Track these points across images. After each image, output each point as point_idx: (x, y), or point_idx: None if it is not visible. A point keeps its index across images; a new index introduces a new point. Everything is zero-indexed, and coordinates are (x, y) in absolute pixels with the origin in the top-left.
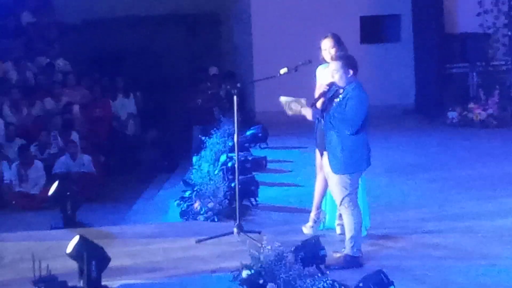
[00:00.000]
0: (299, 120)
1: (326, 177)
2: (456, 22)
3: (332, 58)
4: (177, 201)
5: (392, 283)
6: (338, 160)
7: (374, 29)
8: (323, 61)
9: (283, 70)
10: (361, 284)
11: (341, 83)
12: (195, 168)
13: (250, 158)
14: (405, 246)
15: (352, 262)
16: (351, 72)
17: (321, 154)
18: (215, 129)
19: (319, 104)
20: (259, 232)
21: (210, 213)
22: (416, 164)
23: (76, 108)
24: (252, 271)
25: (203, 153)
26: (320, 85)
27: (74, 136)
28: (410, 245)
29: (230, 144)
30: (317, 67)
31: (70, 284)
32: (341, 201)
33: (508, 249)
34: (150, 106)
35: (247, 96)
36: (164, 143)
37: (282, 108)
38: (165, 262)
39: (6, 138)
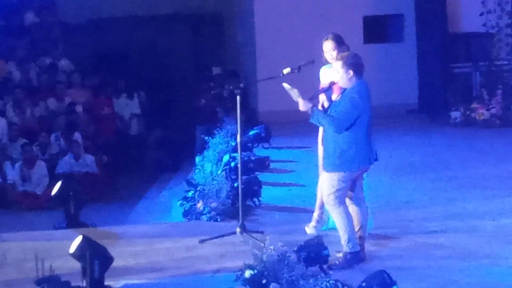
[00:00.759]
0: (302, 119)
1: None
2: (459, 22)
3: (334, 59)
4: (180, 201)
5: (395, 283)
6: (329, 158)
7: (377, 29)
8: (326, 62)
9: (286, 70)
10: (364, 284)
11: (342, 83)
12: (198, 168)
13: (253, 158)
14: (408, 246)
15: (353, 258)
16: (351, 72)
17: None
18: (218, 129)
19: (322, 99)
20: (262, 232)
21: (213, 213)
22: (419, 163)
23: (79, 108)
24: (255, 271)
25: (206, 153)
26: (323, 86)
27: (77, 136)
28: (413, 245)
29: (233, 144)
30: (321, 67)
31: (73, 284)
32: (327, 198)
33: None
34: (153, 105)
35: (250, 96)
36: (167, 143)
37: (284, 109)
38: (168, 262)
39: (9, 138)
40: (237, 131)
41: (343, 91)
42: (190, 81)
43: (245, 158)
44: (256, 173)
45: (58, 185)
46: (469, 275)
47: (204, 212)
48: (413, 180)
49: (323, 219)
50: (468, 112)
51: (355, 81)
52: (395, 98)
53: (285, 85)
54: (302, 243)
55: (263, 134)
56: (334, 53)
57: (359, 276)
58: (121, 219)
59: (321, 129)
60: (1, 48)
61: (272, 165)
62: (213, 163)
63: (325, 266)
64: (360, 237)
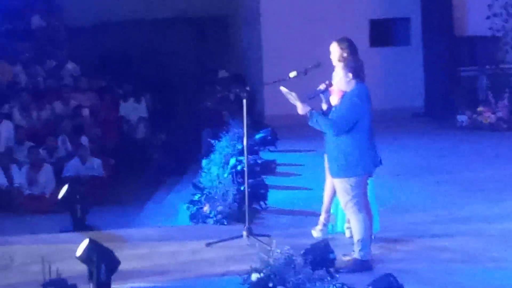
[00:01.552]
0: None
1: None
2: (465, 25)
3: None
4: (187, 205)
5: (402, 286)
6: (334, 164)
7: (384, 32)
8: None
9: (292, 74)
10: (370, 287)
11: (341, 86)
12: (204, 172)
13: (259, 162)
14: (413, 249)
15: (362, 265)
16: (350, 75)
17: None
18: (224, 132)
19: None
20: (269, 236)
21: (219, 216)
22: (425, 166)
23: (85, 111)
24: (262, 275)
25: (212, 156)
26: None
27: (84, 139)
28: (418, 248)
29: (240, 147)
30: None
31: (79, 287)
32: (345, 205)
33: None
34: (159, 109)
35: (257, 99)
36: (173, 146)
37: (290, 112)
38: (175, 265)
39: (16, 142)
40: (243, 134)
41: (344, 94)
42: (196, 85)
43: (252, 162)
44: (263, 176)
45: (64, 188)
46: (474, 278)
47: (211, 216)
48: (418, 183)
49: (329, 223)
50: (474, 115)
51: (355, 84)
52: (401, 101)
53: (283, 88)
54: (309, 247)
55: (269, 138)
56: (340, 55)
57: (365, 279)
58: (128, 222)
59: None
60: (8, 52)
61: (278, 169)
62: (219, 166)
63: (331, 270)
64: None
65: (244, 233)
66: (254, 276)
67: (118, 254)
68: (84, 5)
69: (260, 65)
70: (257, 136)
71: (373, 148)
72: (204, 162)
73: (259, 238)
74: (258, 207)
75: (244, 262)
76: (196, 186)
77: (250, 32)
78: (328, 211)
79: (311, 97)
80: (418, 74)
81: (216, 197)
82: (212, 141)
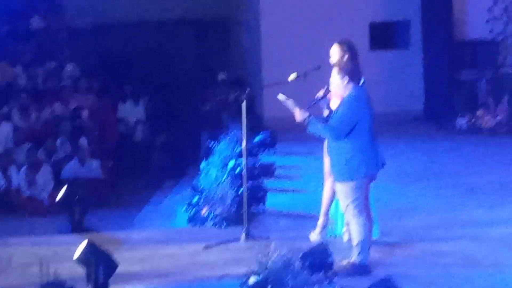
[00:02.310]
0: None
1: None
2: (465, 29)
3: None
4: (185, 207)
5: None
6: (335, 167)
7: (384, 35)
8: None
9: (292, 76)
10: None
11: (338, 90)
12: (203, 174)
13: (258, 164)
14: (412, 253)
15: (360, 269)
16: (346, 79)
17: None
18: (223, 134)
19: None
20: (267, 238)
21: (218, 219)
22: (424, 170)
23: (85, 113)
24: (260, 278)
25: (211, 158)
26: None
27: (83, 141)
28: (417, 252)
29: (238, 150)
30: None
31: None
32: (345, 209)
33: None
34: (158, 111)
35: (256, 101)
36: (172, 148)
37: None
38: (173, 268)
39: (14, 143)
40: (242, 137)
41: (343, 98)
42: (195, 87)
43: (250, 164)
44: (261, 179)
45: (63, 190)
46: (473, 283)
47: (209, 218)
48: (418, 187)
49: (327, 226)
50: (473, 119)
51: (352, 88)
52: (401, 104)
53: (280, 96)
54: (307, 250)
55: (268, 140)
56: (339, 58)
57: (363, 283)
58: (126, 224)
59: None
60: (7, 53)
61: (277, 171)
62: (218, 169)
63: (329, 273)
64: None
65: (243, 236)
66: (252, 279)
67: (116, 256)
68: (84, 6)
69: (260, 67)
70: (256, 139)
71: (375, 151)
72: (202, 164)
73: (258, 241)
74: (256, 210)
75: (242, 265)
76: (194, 189)
77: (249, 35)
78: (326, 214)
79: (310, 105)
80: (418, 78)
81: (214, 200)
82: (211, 144)
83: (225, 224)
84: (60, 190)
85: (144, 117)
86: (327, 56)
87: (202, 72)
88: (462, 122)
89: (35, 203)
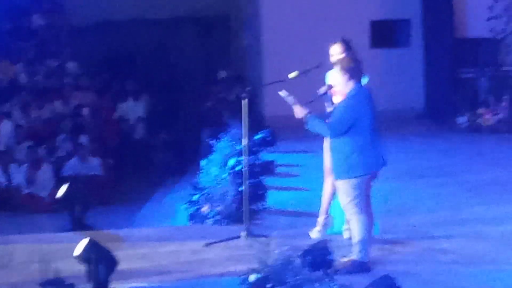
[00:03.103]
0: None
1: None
2: (466, 27)
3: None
4: (186, 205)
5: None
6: (336, 165)
7: (384, 34)
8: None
9: (292, 74)
10: None
11: (340, 88)
12: (203, 172)
13: (258, 162)
14: (413, 251)
15: (360, 267)
16: (347, 77)
17: None
18: (223, 132)
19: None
20: (267, 236)
21: (218, 216)
22: (425, 168)
23: (85, 111)
24: (260, 275)
25: (211, 156)
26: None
27: (84, 139)
28: (418, 250)
29: (239, 148)
30: (328, 72)
31: (78, 286)
32: (345, 206)
33: None
34: (159, 109)
35: (256, 100)
36: (173, 146)
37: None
38: (174, 266)
39: (15, 141)
40: (243, 135)
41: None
42: (196, 85)
43: (251, 162)
44: (262, 177)
45: (64, 188)
46: (475, 280)
47: (209, 216)
48: (418, 185)
49: (328, 224)
50: (474, 117)
51: (353, 86)
52: (402, 103)
53: (282, 92)
54: (307, 248)
55: (269, 138)
56: (341, 57)
57: (364, 280)
58: (126, 222)
59: None
60: (9, 51)
61: (277, 169)
62: (218, 167)
63: (330, 271)
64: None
65: (243, 233)
66: (253, 277)
67: (117, 253)
68: (86, 4)
69: (260, 65)
70: (257, 137)
71: (376, 149)
72: (203, 162)
73: (258, 238)
74: (257, 207)
75: (243, 263)
76: (195, 187)
77: (250, 33)
78: (326, 212)
79: (311, 100)
80: (419, 76)
81: (215, 198)
82: (212, 142)
83: (225, 222)
84: (60, 188)
85: (145, 115)
86: (328, 54)
87: (203, 70)
88: (462, 120)
89: (36, 200)
